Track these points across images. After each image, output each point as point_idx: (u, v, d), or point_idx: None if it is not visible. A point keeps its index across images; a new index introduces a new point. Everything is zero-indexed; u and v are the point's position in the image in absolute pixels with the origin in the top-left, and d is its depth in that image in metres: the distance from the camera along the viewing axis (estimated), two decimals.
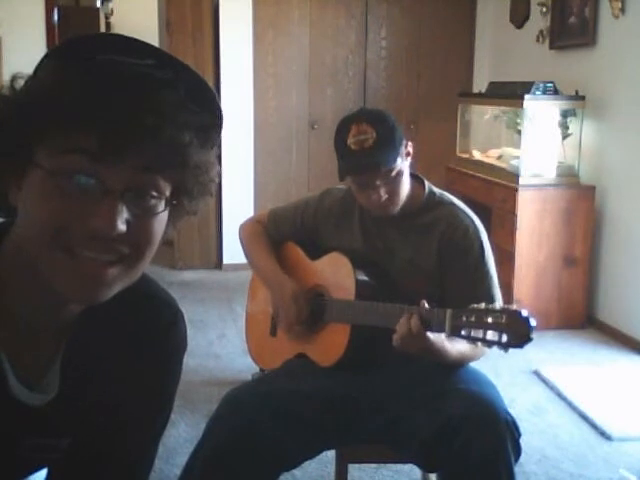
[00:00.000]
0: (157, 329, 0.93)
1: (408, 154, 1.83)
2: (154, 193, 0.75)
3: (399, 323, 1.62)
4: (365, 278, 1.85)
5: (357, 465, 2.36)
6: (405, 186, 1.82)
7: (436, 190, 1.92)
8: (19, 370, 0.81)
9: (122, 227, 0.72)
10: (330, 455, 1.96)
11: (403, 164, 1.79)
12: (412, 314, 1.61)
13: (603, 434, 2.78)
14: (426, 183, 1.91)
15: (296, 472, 2.31)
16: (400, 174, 1.78)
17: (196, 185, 0.79)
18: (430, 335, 1.61)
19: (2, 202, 0.78)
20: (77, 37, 0.76)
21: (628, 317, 3.81)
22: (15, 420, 0.81)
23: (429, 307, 1.62)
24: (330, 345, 1.85)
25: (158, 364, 0.93)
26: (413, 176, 1.88)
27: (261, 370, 2.14)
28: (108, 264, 0.74)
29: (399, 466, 2.45)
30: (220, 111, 0.81)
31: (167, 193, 0.76)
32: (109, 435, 0.90)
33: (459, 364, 1.77)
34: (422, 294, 1.68)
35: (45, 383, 0.84)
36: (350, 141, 1.74)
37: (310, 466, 2.39)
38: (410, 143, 1.84)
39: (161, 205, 0.76)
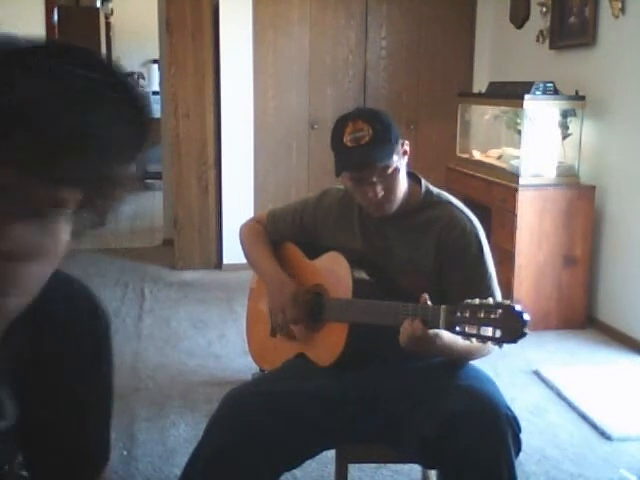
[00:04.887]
0: (81, 321, 0.93)
1: (405, 153, 1.83)
2: (50, 205, 0.68)
3: (402, 326, 1.62)
4: (362, 277, 1.85)
5: (357, 465, 2.36)
6: (402, 184, 1.82)
7: (433, 189, 1.92)
8: None
9: (15, 245, 0.66)
10: (330, 455, 1.96)
11: (400, 162, 1.80)
12: (415, 318, 1.61)
13: (603, 434, 2.78)
14: (423, 182, 1.92)
15: (296, 472, 2.31)
16: (396, 172, 1.79)
17: (104, 199, 0.72)
18: (434, 332, 1.61)
19: None
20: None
21: (628, 317, 3.81)
22: None
23: (426, 303, 1.63)
24: (328, 345, 1.85)
25: (91, 355, 0.95)
26: (410, 175, 1.89)
27: (261, 370, 2.14)
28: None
29: (399, 466, 2.45)
30: (143, 118, 0.72)
31: (69, 200, 0.69)
32: (59, 435, 0.91)
33: (468, 359, 1.77)
34: (421, 293, 1.69)
35: (4, 406, 0.83)
36: (346, 138, 1.75)
37: (310, 466, 2.39)
38: (407, 142, 1.85)
39: (62, 214, 0.69)
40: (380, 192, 1.78)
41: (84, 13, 7.77)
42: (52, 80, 0.65)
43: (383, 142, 1.75)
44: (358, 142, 1.74)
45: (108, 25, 8.83)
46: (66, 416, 0.91)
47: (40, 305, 0.75)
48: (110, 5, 8.46)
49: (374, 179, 1.76)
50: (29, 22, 4.77)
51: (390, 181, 1.78)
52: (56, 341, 0.89)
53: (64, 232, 0.72)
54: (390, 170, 1.77)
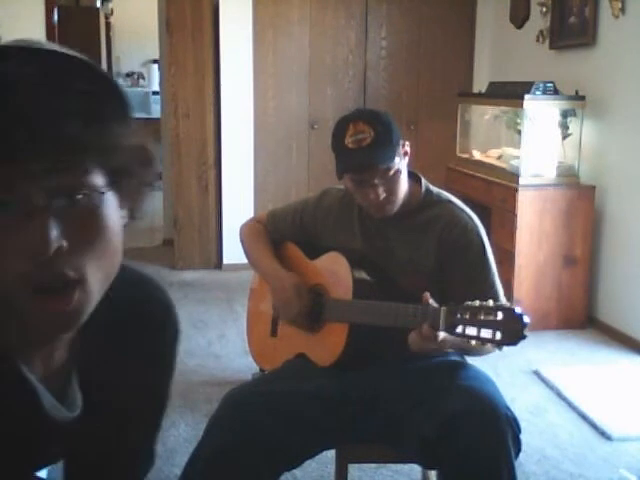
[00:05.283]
0: (153, 328, 0.93)
1: (406, 153, 1.83)
2: (82, 193, 0.68)
3: (410, 336, 1.63)
4: (362, 277, 1.85)
5: (357, 465, 2.36)
6: (403, 185, 1.82)
7: (433, 188, 1.92)
8: (47, 385, 0.79)
9: (56, 243, 0.65)
10: (330, 455, 1.96)
11: (401, 163, 1.80)
12: (424, 324, 1.61)
13: (603, 434, 2.78)
14: (423, 181, 1.92)
15: (296, 472, 2.31)
16: (398, 173, 1.79)
17: (123, 158, 0.71)
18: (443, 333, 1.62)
19: None
20: None
21: (628, 317, 3.81)
22: (47, 437, 0.80)
23: (424, 304, 1.63)
24: (328, 345, 1.85)
25: (158, 361, 0.95)
26: (410, 175, 1.89)
27: (261, 370, 2.14)
28: (66, 294, 0.68)
29: (399, 466, 2.45)
30: (103, 79, 0.72)
31: (98, 182, 0.69)
32: (117, 435, 0.90)
33: (477, 353, 1.79)
34: (421, 293, 1.69)
35: (69, 397, 0.83)
36: (348, 140, 1.75)
37: (310, 466, 2.39)
38: (407, 143, 1.85)
39: (95, 198, 0.69)
40: (382, 194, 1.78)
41: (84, 13, 7.77)
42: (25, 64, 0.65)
43: (384, 144, 1.75)
44: (360, 144, 1.74)
45: (108, 25, 8.83)
46: (123, 415, 0.89)
47: (115, 303, 0.75)
48: (110, 5, 8.45)
49: (376, 181, 1.76)
50: (29, 22, 4.77)
51: (392, 183, 1.78)
52: (126, 341, 0.88)
53: (108, 214, 0.71)
54: (392, 172, 1.77)
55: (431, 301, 1.62)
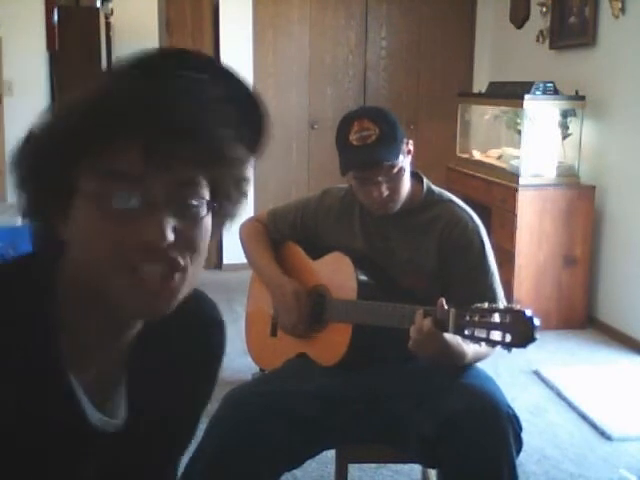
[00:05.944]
0: (204, 342, 0.96)
1: (409, 152, 1.83)
2: (195, 200, 0.75)
3: (413, 325, 1.62)
4: (367, 278, 1.85)
5: (357, 465, 2.36)
6: (406, 184, 1.82)
7: (435, 188, 1.92)
8: (89, 393, 0.81)
9: (171, 236, 0.72)
10: (330, 455, 1.95)
11: (404, 161, 1.80)
12: (426, 315, 1.59)
13: (603, 434, 2.78)
14: (425, 181, 1.92)
15: (296, 472, 2.31)
16: (401, 171, 1.79)
17: (232, 184, 0.79)
18: (445, 335, 1.59)
19: (49, 236, 0.78)
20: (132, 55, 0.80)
21: (628, 317, 3.81)
22: (90, 447, 0.82)
23: (429, 307, 1.62)
24: (331, 345, 1.85)
25: (205, 375, 0.97)
26: (412, 174, 1.89)
27: (261, 370, 2.14)
28: (169, 276, 0.74)
29: (399, 466, 2.45)
30: (261, 118, 0.82)
31: (207, 196, 0.76)
32: (154, 448, 0.92)
33: (472, 363, 1.76)
34: (422, 293, 1.68)
35: (112, 407, 0.84)
36: (352, 137, 1.75)
37: (310, 466, 2.39)
38: (411, 141, 1.85)
39: (203, 209, 0.76)
40: (385, 191, 1.78)
41: (84, 13, 7.75)
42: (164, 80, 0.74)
43: (389, 141, 1.75)
44: (364, 141, 1.73)
45: (108, 25, 8.81)
46: (163, 429, 0.91)
47: (168, 317, 0.77)
48: (110, 5, 8.43)
49: (379, 178, 1.76)
50: (29, 22, 4.76)
51: (395, 181, 1.78)
52: (175, 354, 0.90)
53: (208, 225, 0.78)
54: (396, 169, 1.77)
55: (446, 307, 1.58)
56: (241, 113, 0.76)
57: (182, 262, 0.75)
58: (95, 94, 0.73)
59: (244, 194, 0.81)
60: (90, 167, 0.72)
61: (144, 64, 0.77)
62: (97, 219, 0.72)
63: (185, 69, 0.76)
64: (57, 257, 0.79)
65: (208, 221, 0.77)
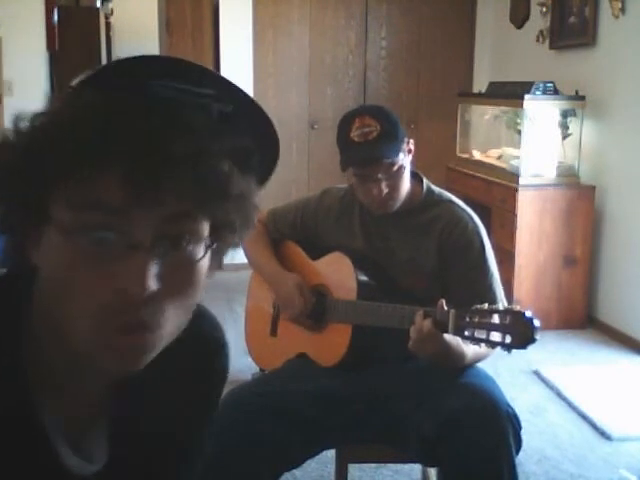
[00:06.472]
0: (204, 369, 0.85)
1: (410, 151, 1.83)
2: (189, 240, 0.64)
3: (413, 325, 1.62)
4: (367, 278, 1.85)
5: (357, 465, 2.36)
6: (405, 183, 1.82)
7: (434, 188, 1.92)
8: (64, 435, 0.71)
9: (154, 285, 0.61)
10: (330, 455, 1.95)
11: (405, 160, 1.80)
12: (426, 316, 1.60)
13: (603, 434, 2.77)
14: (425, 181, 1.92)
15: (296, 472, 2.31)
16: (402, 169, 1.79)
17: (239, 217, 0.68)
18: (445, 336, 1.59)
19: (20, 257, 0.67)
20: (114, 61, 0.68)
21: (628, 317, 3.81)
22: None
23: (429, 308, 1.62)
24: (332, 345, 1.85)
25: (206, 405, 0.88)
26: (412, 174, 1.89)
27: (261, 370, 2.14)
28: (146, 332, 0.63)
29: (399, 466, 2.45)
30: (272, 139, 0.73)
31: (206, 234, 0.66)
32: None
33: (472, 364, 1.77)
34: (422, 293, 1.68)
35: (90, 449, 0.74)
36: (354, 134, 1.75)
37: (310, 466, 2.39)
38: (412, 140, 1.85)
39: (200, 251, 0.65)
40: (384, 189, 1.78)
41: (84, 13, 7.75)
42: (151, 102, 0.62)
43: (390, 138, 1.75)
44: (366, 137, 1.74)
45: (108, 25, 8.81)
46: (159, 464, 0.82)
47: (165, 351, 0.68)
48: (110, 5, 8.43)
49: (379, 176, 1.76)
50: (29, 22, 4.76)
51: (395, 179, 1.78)
52: (169, 382, 0.79)
53: (204, 268, 0.67)
54: (396, 167, 1.77)
55: (445, 308, 1.59)
56: (250, 137, 0.67)
57: (151, 323, 0.63)
58: (60, 113, 0.63)
59: (252, 222, 0.70)
60: (63, 195, 0.61)
61: (119, 74, 0.66)
62: (67, 256, 0.61)
63: (176, 80, 0.65)
64: (29, 282, 0.69)
65: (205, 263, 0.67)
